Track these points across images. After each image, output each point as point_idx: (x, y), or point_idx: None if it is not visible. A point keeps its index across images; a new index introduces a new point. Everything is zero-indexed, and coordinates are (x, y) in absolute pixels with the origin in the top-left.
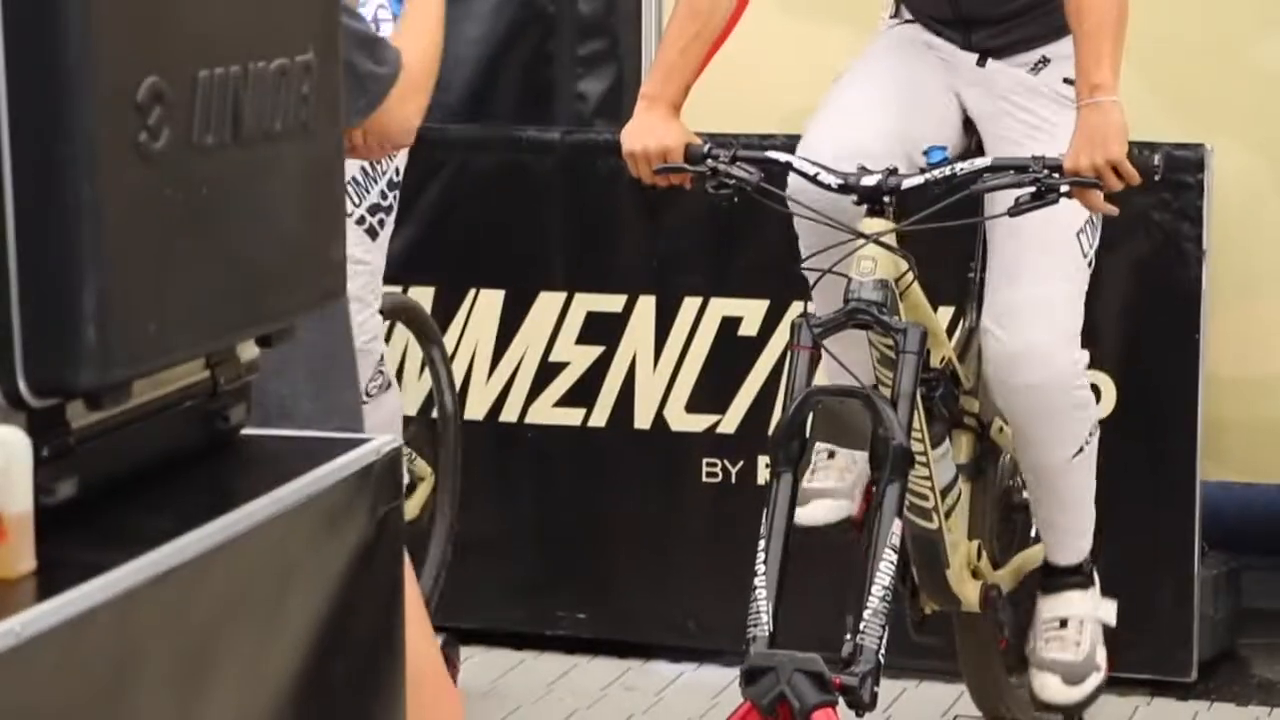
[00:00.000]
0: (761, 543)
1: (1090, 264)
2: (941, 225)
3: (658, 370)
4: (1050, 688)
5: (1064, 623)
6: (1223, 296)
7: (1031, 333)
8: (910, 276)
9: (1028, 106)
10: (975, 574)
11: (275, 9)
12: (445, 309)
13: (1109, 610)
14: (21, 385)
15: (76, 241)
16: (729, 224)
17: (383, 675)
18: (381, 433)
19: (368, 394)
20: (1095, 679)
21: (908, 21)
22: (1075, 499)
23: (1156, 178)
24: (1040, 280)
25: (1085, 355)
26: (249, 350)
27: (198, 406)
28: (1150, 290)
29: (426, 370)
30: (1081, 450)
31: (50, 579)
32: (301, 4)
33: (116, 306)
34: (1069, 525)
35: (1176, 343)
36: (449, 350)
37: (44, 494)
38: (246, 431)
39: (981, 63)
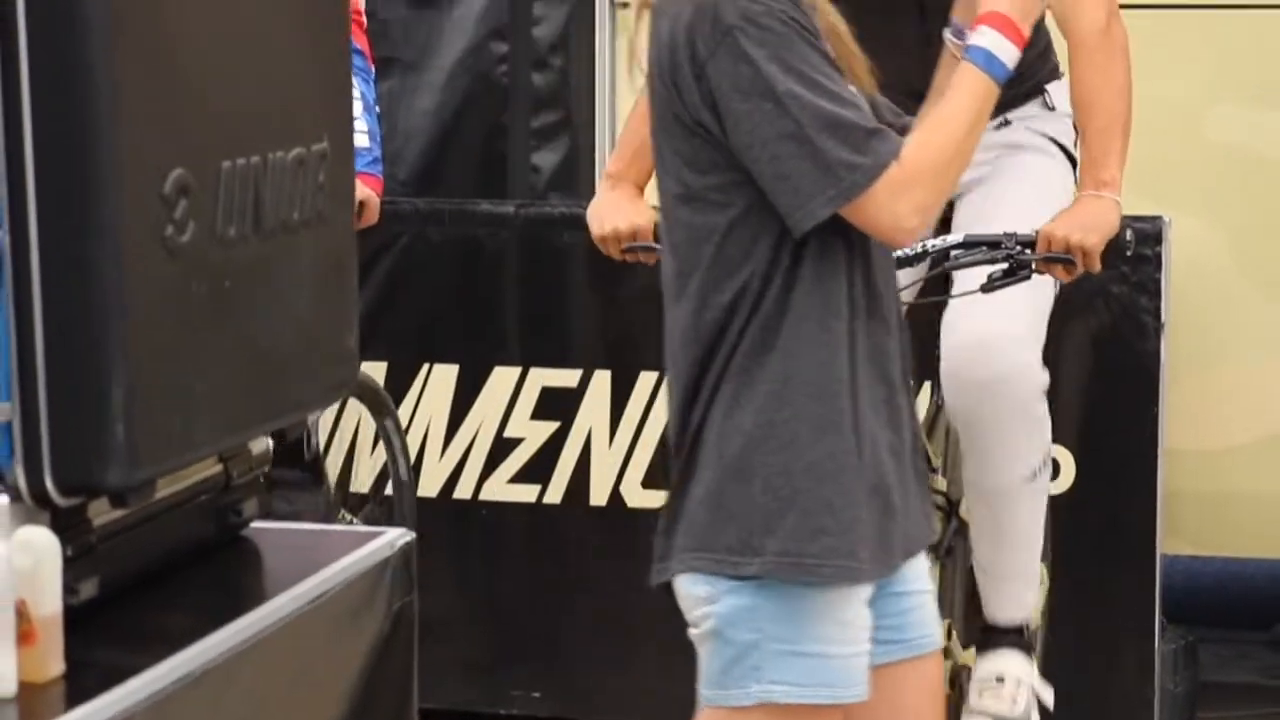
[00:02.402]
0: None
1: (1055, 286)
2: (912, 303)
3: (614, 446)
4: None
5: (1001, 679)
6: (1180, 369)
7: (992, 323)
8: None
9: (982, 160)
10: (945, 653)
11: (293, 99)
12: (398, 384)
13: (1047, 693)
14: (49, 484)
15: (105, 338)
16: None
17: None
18: None
19: None
20: None
21: None
22: (1021, 537)
23: (1128, 253)
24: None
25: (1046, 375)
26: (260, 443)
27: (211, 501)
28: (1109, 363)
29: (380, 445)
30: (1034, 477)
31: (80, 683)
32: (317, 94)
33: (144, 403)
34: (1012, 569)
35: (1135, 415)
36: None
37: (68, 594)
38: (257, 524)
39: None
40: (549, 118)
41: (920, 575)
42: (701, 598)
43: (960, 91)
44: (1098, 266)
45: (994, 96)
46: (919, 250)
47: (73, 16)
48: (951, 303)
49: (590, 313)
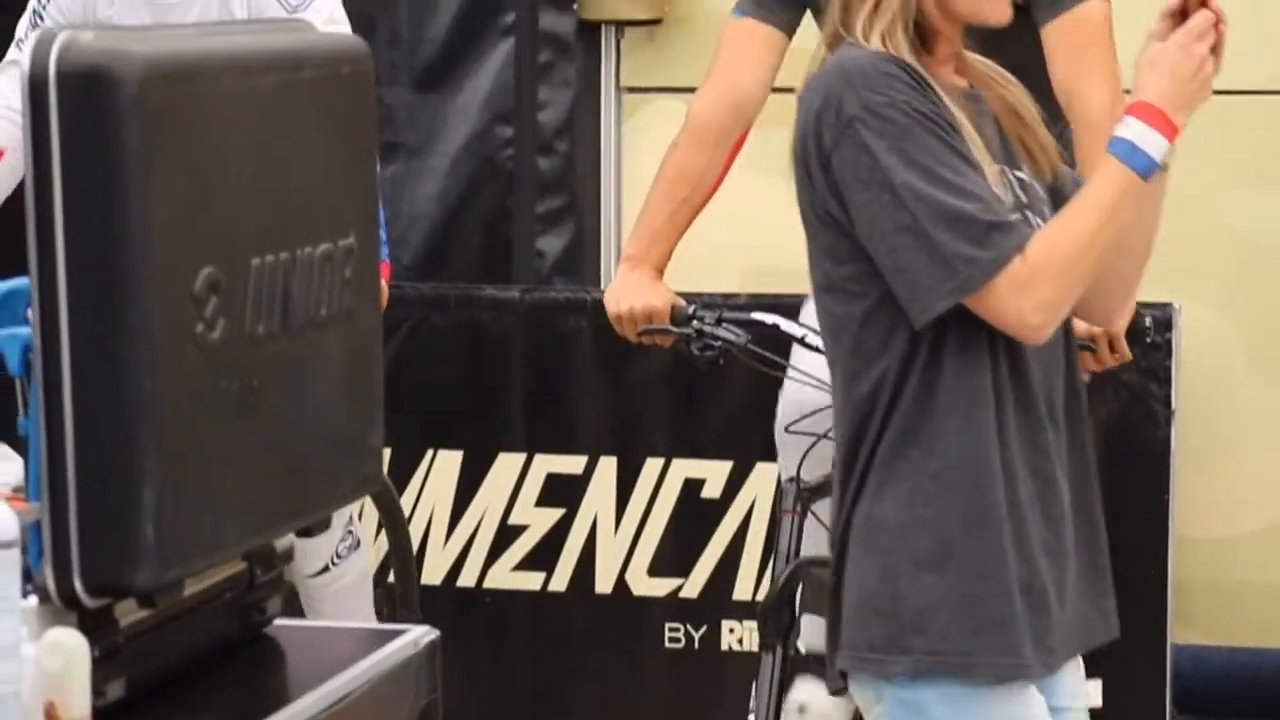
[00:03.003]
0: (751, 717)
1: None
2: None
3: (619, 533)
4: None
5: None
6: (1191, 456)
7: None
8: None
9: None
10: None
11: (321, 195)
12: (402, 470)
13: None
14: (78, 585)
15: (136, 438)
16: (691, 384)
17: None
18: (352, 592)
19: (338, 555)
20: None
21: None
22: None
23: (1148, 339)
24: None
25: None
26: (284, 539)
27: (236, 599)
28: (1119, 450)
29: (383, 532)
30: None
31: None
32: (344, 189)
33: (174, 503)
34: None
35: (1146, 503)
36: (405, 512)
37: (96, 695)
38: (279, 621)
39: None
40: (554, 202)
41: (1078, 691)
42: (871, 699)
43: (1096, 184)
44: (1127, 352)
45: (1135, 190)
46: None
47: (106, 117)
48: None
49: (595, 398)
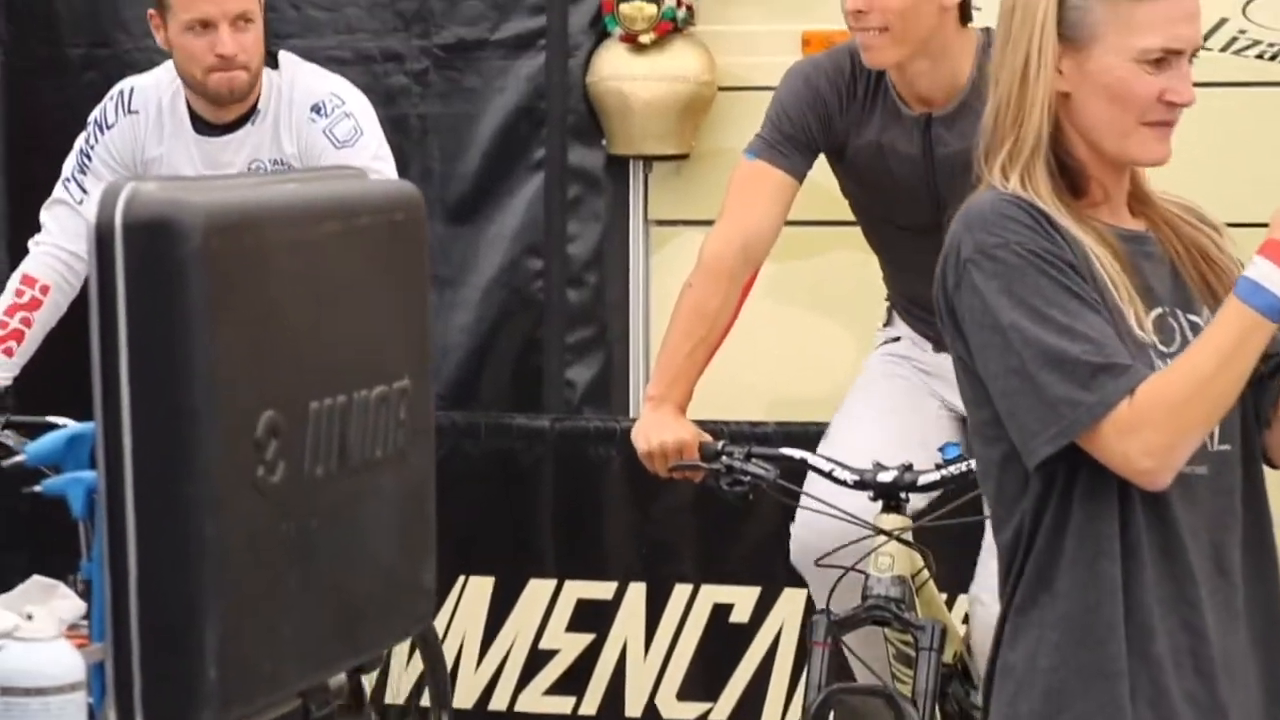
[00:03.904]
0: None
1: None
2: (957, 521)
3: (649, 658)
4: None
5: None
6: None
7: None
8: (926, 573)
9: None
10: None
11: (377, 338)
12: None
13: None
14: None
15: (199, 580)
16: (718, 512)
17: None
18: None
19: None
20: None
21: (895, 340)
22: None
23: None
24: None
25: None
26: (337, 677)
27: None
28: None
29: (416, 656)
30: None
31: None
32: (399, 332)
33: (236, 645)
34: None
35: None
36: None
37: None
38: None
39: None
40: (583, 333)
41: None
42: None
43: (1216, 324)
44: None
45: (1261, 331)
46: (964, 470)
47: (171, 266)
48: (979, 573)
49: (625, 525)
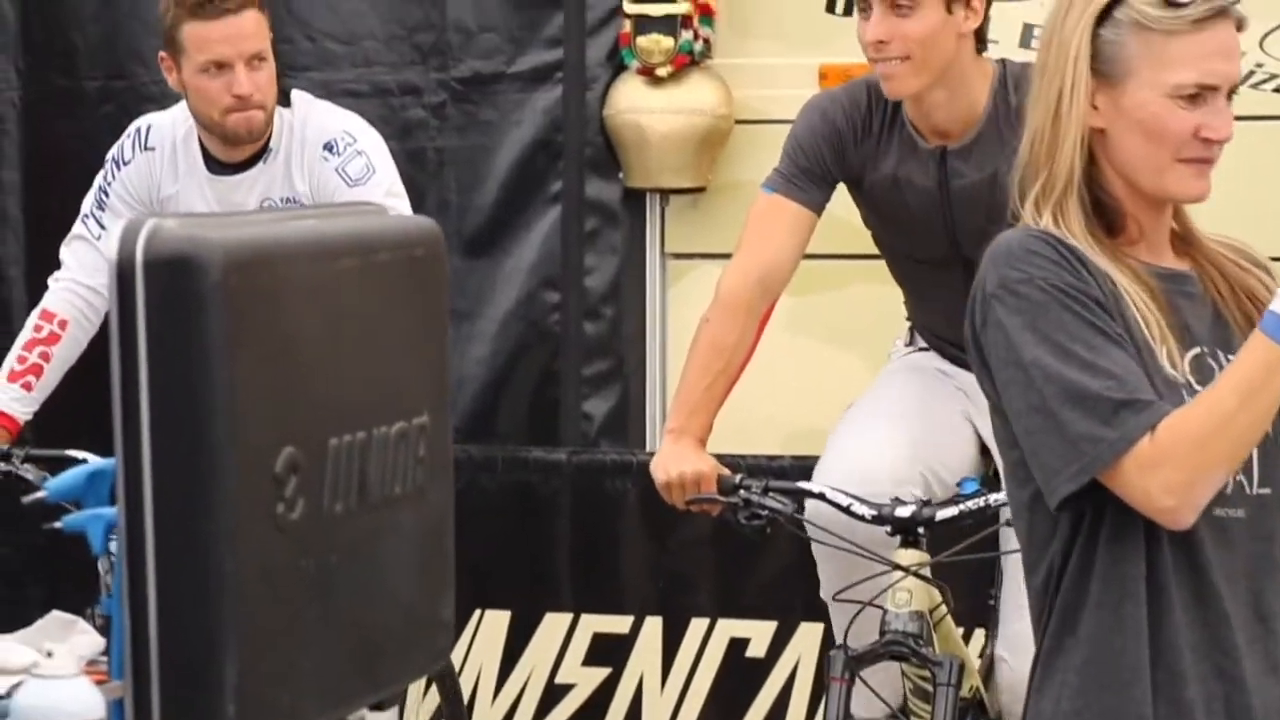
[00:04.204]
0: None
1: None
2: (973, 556)
3: (665, 692)
4: None
5: None
6: None
7: None
8: (944, 609)
9: None
10: None
11: (396, 374)
12: None
13: None
14: None
15: (218, 616)
16: (735, 545)
17: None
18: None
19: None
20: None
21: (921, 349)
22: None
23: None
24: None
25: None
26: (355, 714)
27: None
28: None
29: (433, 691)
30: None
31: None
32: (418, 367)
33: (254, 681)
34: None
35: None
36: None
37: None
38: None
39: None
40: (600, 366)
41: None
42: None
43: (1239, 361)
44: None
45: None
46: (982, 505)
47: (191, 303)
48: (1002, 632)
49: (641, 559)
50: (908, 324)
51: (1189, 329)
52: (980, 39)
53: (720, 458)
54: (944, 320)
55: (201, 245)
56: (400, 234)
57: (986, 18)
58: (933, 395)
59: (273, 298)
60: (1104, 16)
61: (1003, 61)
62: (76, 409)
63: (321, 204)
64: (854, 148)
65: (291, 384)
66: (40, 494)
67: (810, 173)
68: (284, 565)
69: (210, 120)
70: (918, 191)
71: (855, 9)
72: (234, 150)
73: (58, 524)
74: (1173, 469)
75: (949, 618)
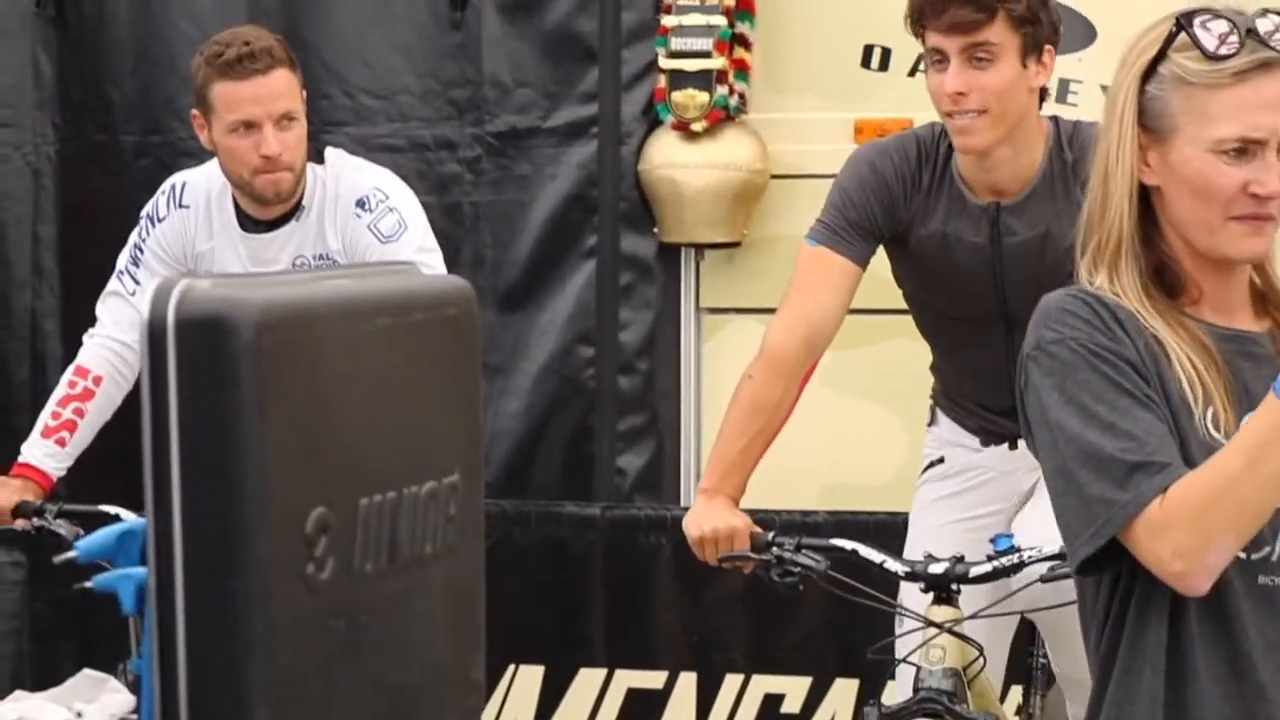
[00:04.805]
0: None
1: None
2: (1009, 613)
3: None
4: None
5: None
6: None
7: None
8: (979, 664)
9: None
10: None
11: (428, 434)
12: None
13: None
14: None
15: (248, 675)
16: (769, 601)
17: None
18: None
19: None
20: None
21: (937, 462)
22: None
23: None
24: None
25: None
26: None
27: None
28: None
29: None
30: None
31: None
32: (450, 427)
33: None
34: None
35: None
36: None
37: None
38: None
39: (1013, 445)
40: (634, 421)
41: None
42: None
43: (1249, 422)
44: None
45: None
46: (1016, 561)
47: (223, 363)
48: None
49: (675, 615)
50: (930, 401)
51: (1248, 391)
52: (1043, 96)
53: (753, 513)
54: (974, 380)
55: (234, 306)
56: (433, 294)
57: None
58: (966, 511)
59: (305, 358)
60: (1150, 73)
61: (1055, 119)
62: (111, 464)
63: (354, 264)
64: (904, 203)
65: (323, 444)
66: (71, 554)
67: (858, 226)
68: (314, 625)
69: (239, 180)
70: (968, 248)
71: (926, 62)
72: (266, 208)
73: (88, 584)
74: (1180, 533)
75: (984, 674)
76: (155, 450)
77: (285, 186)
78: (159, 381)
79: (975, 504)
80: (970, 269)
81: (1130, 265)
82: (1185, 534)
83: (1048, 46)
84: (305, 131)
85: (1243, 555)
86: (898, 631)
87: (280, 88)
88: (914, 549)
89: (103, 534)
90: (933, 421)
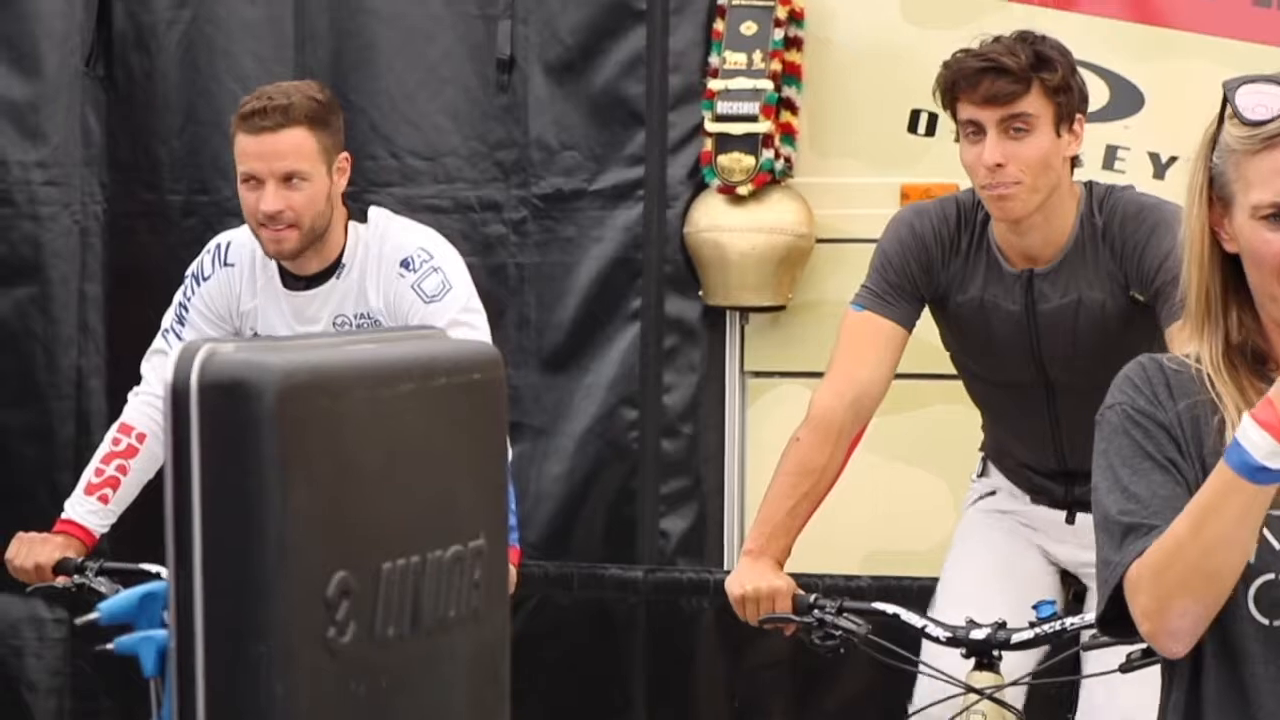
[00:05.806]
0: None
1: None
2: (1050, 680)
3: None
4: None
5: None
6: None
7: (1140, 711)
8: None
9: None
10: None
11: (452, 498)
12: None
13: None
14: None
15: None
16: (811, 666)
17: None
18: None
19: None
20: None
21: (990, 494)
22: None
23: None
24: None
25: None
26: None
27: None
28: None
29: None
30: None
31: None
32: (475, 491)
33: None
34: None
35: None
36: None
37: None
38: None
39: (1070, 519)
40: (678, 484)
41: None
42: None
43: (1201, 489)
44: None
45: (1239, 493)
46: (1058, 628)
47: (245, 427)
48: (1086, 683)
49: (717, 677)
50: (980, 454)
51: None
52: (1074, 164)
53: (797, 577)
54: (1020, 444)
55: (257, 370)
56: (458, 358)
57: None
58: (1011, 547)
59: (328, 423)
60: (1215, 142)
61: (1089, 184)
62: (155, 522)
63: (381, 328)
64: (942, 267)
65: (346, 508)
66: (93, 615)
67: (899, 289)
68: (335, 689)
69: (253, 232)
70: (1004, 316)
71: (960, 133)
72: (302, 265)
73: (110, 646)
74: (1144, 595)
75: None
76: (177, 513)
77: (288, 245)
78: (182, 445)
79: (1021, 542)
80: (1006, 336)
81: (1213, 331)
82: (1147, 596)
83: (1079, 115)
84: (324, 192)
85: (1265, 621)
86: (916, 696)
87: (286, 147)
88: (950, 593)
89: (124, 596)
90: (983, 474)
